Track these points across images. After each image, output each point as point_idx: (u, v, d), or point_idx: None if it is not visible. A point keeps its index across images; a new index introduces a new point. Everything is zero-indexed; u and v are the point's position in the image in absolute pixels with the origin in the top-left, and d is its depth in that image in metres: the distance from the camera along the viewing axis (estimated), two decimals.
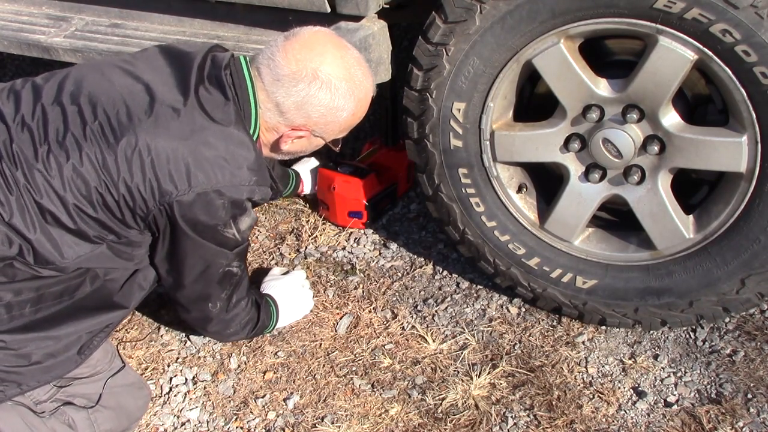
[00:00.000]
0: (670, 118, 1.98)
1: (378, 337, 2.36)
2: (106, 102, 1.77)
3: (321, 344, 2.36)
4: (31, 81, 1.87)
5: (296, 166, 2.82)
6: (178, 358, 2.36)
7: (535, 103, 2.26)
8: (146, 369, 2.33)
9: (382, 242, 2.71)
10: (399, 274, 2.58)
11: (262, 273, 2.54)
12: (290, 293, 2.40)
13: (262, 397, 2.23)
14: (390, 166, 2.78)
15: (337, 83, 1.83)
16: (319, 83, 1.82)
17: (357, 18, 2.12)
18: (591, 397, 2.13)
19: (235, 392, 2.25)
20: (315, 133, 1.93)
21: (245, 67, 1.87)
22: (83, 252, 1.78)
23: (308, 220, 2.81)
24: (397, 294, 2.51)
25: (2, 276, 1.73)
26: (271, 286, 2.40)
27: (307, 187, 2.83)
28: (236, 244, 1.93)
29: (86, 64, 1.95)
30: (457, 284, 2.52)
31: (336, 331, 2.39)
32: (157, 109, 1.75)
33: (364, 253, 2.67)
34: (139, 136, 1.73)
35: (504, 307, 2.42)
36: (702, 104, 2.10)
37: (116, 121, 1.74)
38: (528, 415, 2.09)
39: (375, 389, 2.21)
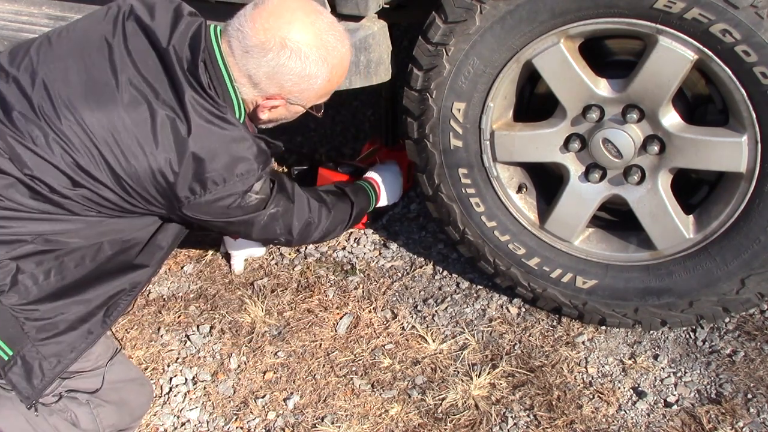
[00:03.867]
0: (670, 118, 1.98)
1: (378, 337, 2.36)
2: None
3: (321, 344, 2.36)
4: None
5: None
6: (178, 358, 2.36)
7: (535, 103, 2.26)
8: (146, 369, 2.33)
9: (382, 242, 2.71)
10: (399, 274, 2.58)
11: None
12: (390, 175, 2.46)
13: (262, 397, 2.22)
14: None
15: (307, 51, 1.80)
16: (288, 52, 1.79)
17: (357, 18, 2.11)
18: (591, 397, 2.13)
19: (235, 392, 2.25)
20: (291, 101, 1.91)
21: (217, 51, 1.84)
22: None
23: None
24: (397, 294, 2.51)
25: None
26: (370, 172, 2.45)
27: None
28: (264, 200, 1.92)
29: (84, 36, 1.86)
30: (457, 284, 2.52)
31: (336, 331, 2.39)
32: (160, 118, 1.74)
33: (364, 253, 2.67)
34: (147, 150, 1.73)
35: (504, 307, 2.42)
36: (702, 104, 2.10)
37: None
38: (528, 415, 2.09)
39: (375, 389, 2.21)
